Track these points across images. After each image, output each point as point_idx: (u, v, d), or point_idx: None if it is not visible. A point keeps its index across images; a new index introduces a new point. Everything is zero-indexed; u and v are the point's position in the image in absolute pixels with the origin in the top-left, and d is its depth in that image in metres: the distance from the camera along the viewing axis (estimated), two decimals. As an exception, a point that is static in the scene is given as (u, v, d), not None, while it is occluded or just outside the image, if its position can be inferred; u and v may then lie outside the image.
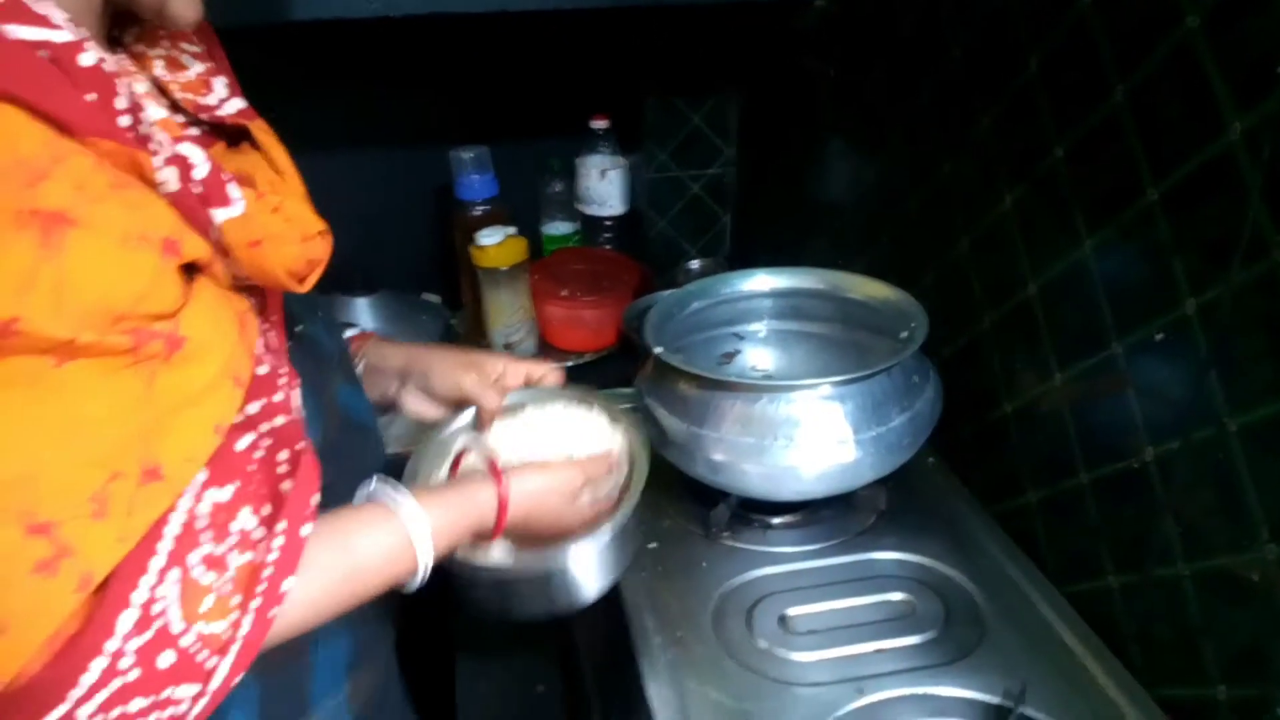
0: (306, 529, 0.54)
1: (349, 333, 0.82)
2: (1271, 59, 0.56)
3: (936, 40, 0.92)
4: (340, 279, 0.83)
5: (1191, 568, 0.66)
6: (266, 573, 0.51)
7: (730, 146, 1.59)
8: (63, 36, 0.44)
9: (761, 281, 1.00)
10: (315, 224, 0.59)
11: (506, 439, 0.80)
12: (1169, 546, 0.68)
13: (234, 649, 0.50)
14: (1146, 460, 0.69)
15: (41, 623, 0.44)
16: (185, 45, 0.59)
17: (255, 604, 0.51)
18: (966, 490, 0.93)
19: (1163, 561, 0.69)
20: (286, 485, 0.54)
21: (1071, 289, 0.76)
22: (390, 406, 0.81)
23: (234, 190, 0.53)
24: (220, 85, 0.59)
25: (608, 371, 1.32)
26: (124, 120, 0.47)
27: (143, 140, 0.48)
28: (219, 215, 0.52)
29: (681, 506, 0.92)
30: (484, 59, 1.46)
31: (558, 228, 1.56)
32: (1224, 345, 0.62)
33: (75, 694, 0.44)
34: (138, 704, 0.46)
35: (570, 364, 1.36)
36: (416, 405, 0.80)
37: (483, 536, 0.68)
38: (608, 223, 1.53)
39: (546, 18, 1.12)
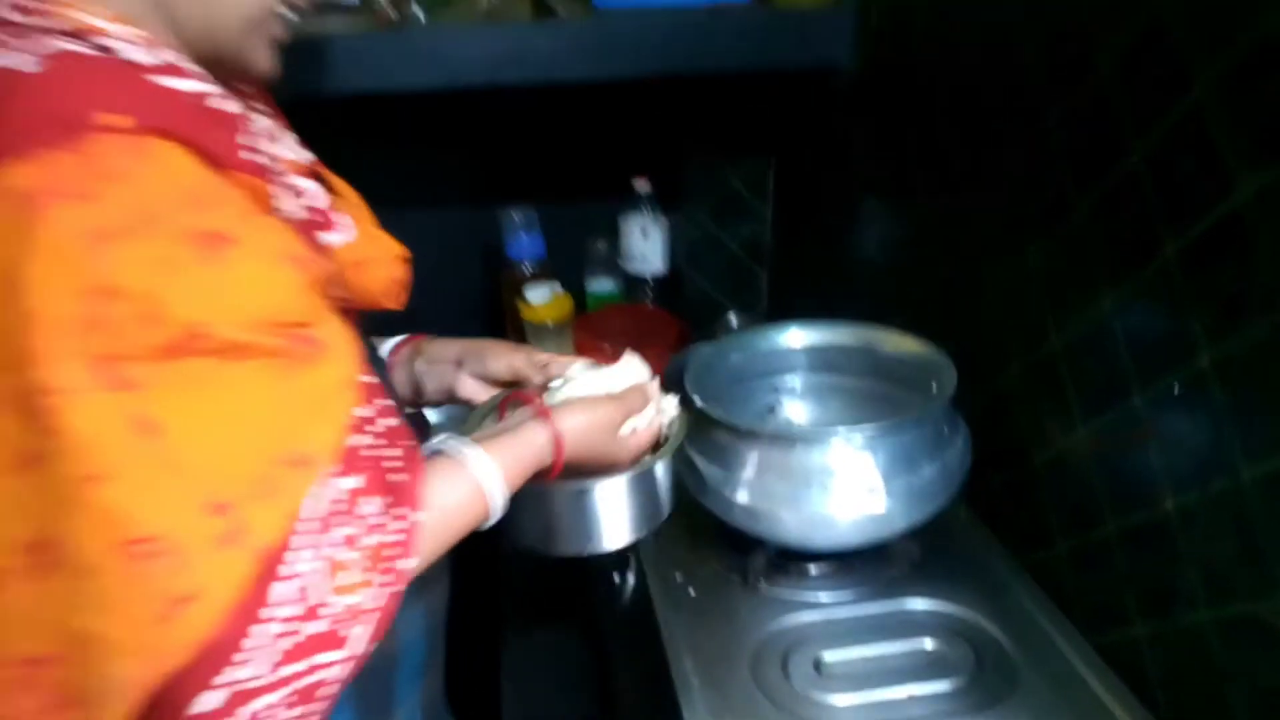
0: (420, 516, 0.60)
1: (398, 338, 0.88)
2: (1277, 125, 0.59)
3: (966, 103, 0.97)
4: (394, 329, 0.88)
5: (1215, 615, 0.67)
6: (390, 553, 0.57)
7: (767, 206, 1.64)
8: (205, 88, 0.54)
9: (796, 336, 1.03)
10: (398, 249, 0.68)
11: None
12: (1193, 594, 0.69)
13: (372, 619, 0.56)
14: (1168, 510, 0.71)
15: (226, 592, 0.50)
16: (255, 105, 0.66)
17: (383, 580, 0.57)
18: (998, 542, 0.95)
19: (1187, 609, 0.70)
20: (396, 478, 0.60)
21: (1094, 343, 0.78)
22: (447, 396, 0.87)
23: (341, 218, 0.62)
24: (290, 139, 0.67)
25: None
26: (255, 156, 0.56)
27: (264, 171, 0.57)
28: (331, 239, 0.61)
29: (720, 554, 0.95)
30: (533, 124, 1.53)
31: (601, 285, 1.61)
32: (1239, 398, 0.64)
33: (239, 657, 0.50)
34: (292, 668, 0.52)
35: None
36: (472, 389, 0.86)
37: (542, 474, 0.73)
38: (649, 280, 1.58)
39: (592, 85, 1.19)
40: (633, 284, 1.60)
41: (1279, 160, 0.58)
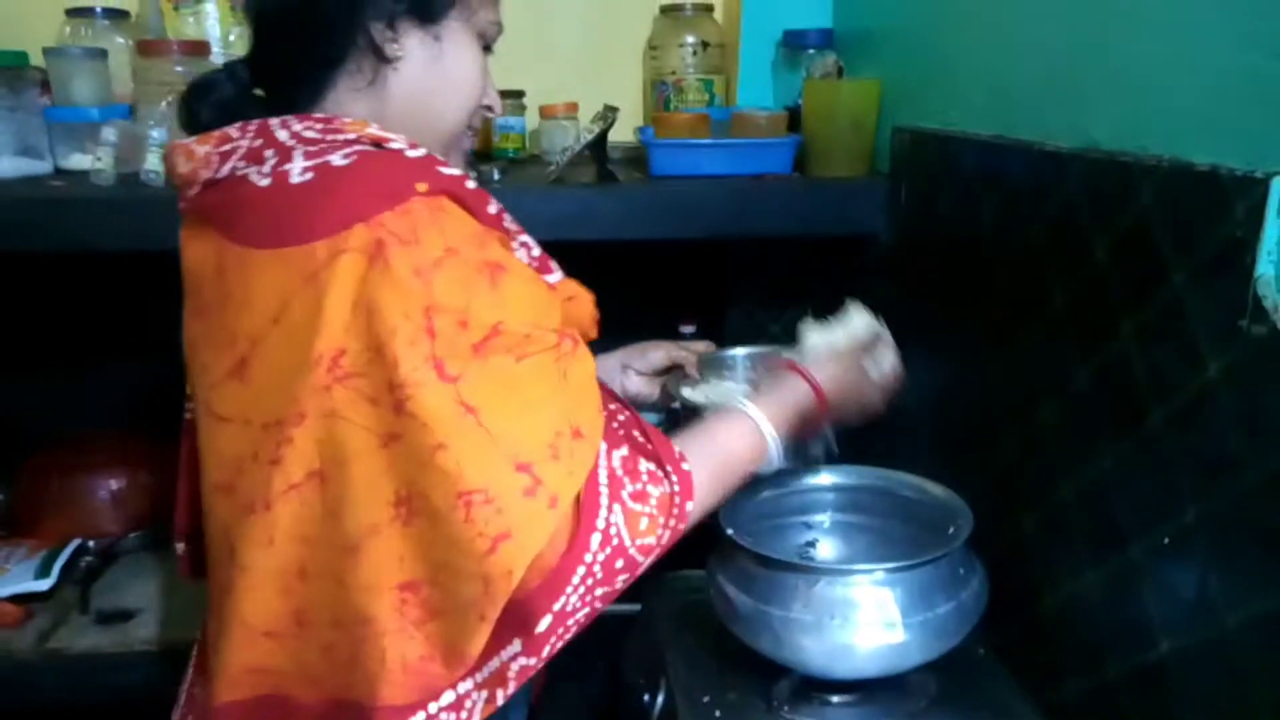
0: (686, 465, 0.79)
1: None
2: (1238, 313, 0.68)
3: (982, 273, 1.07)
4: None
5: (1206, 754, 0.72)
6: (676, 500, 0.77)
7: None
8: (459, 172, 0.76)
9: (824, 477, 1.11)
10: (589, 294, 0.89)
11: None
12: (1189, 736, 0.75)
13: (657, 550, 0.78)
14: (1165, 653, 0.77)
15: (534, 532, 0.69)
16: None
17: (673, 522, 0.77)
18: (1016, 682, 1.00)
19: (1184, 750, 0.75)
20: (652, 446, 0.79)
21: (1098, 495, 0.86)
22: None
23: (554, 264, 0.84)
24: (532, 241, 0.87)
25: (685, 553, 1.42)
26: (494, 216, 0.77)
27: (507, 232, 0.79)
28: (550, 279, 0.82)
29: (747, 680, 1.01)
30: (588, 272, 1.66)
31: (648, 419, 1.71)
32: (1220, 550, 0.71)
33: (568, 588, 0.71)
34: (600, 592, 0.74)
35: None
36: (639, 384, 1.13)
37: (812, 421, 0.91)
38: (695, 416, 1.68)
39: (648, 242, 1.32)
40: (678, 420, 1.70)
41: (1236, 344, 0.68)
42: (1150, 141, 0.79)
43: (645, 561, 0.76)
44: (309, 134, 0.74)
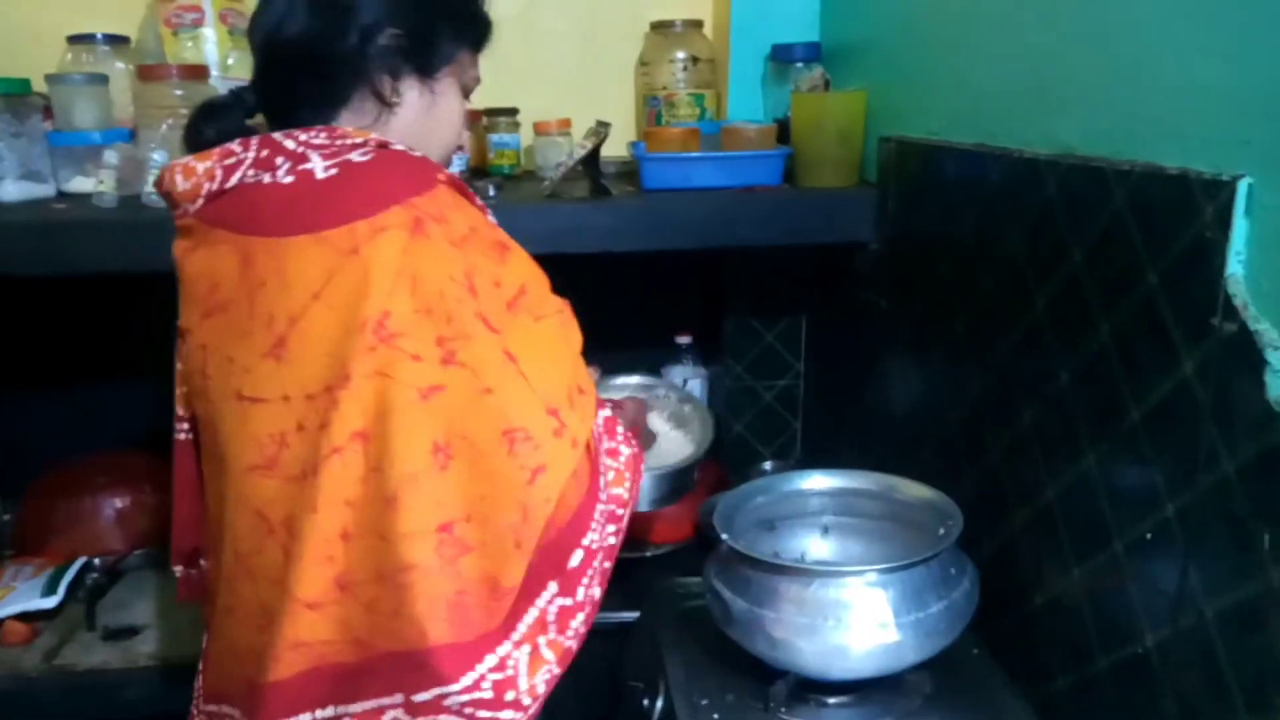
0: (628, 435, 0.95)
1: None
2: (1209, 311, 0.70)
3: (967, 279, 1.10)
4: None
5: (1188, 742, 0.74)
6: (636, 461, 0.92)
7: (799, 361, 1.77)
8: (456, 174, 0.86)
9: (817, 481, 1.13)
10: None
11: None
12: (1174, 725, 0.76)
13: (629, 507, 0.90)
14: (1148, 646, 0.79)
15: (564, 467, 0.80)
16: None
17: (637, 481, 0.92)
18: (1009, 678, 1.01)
19: (1168, 739, 0.77)
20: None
21: (1082, 494, 0.88)
22: None
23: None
24: None
25: (684, 561, 1.45)
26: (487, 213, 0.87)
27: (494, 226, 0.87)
28: None
29: (744, 682, 1.02)
30: (583, 284, 1.68)
31: (643, 430, 1.73)
32: (1198, 542, 0.73)
33: (592, 523, 0.84)
34: (611, 529, 0.88)
35: (649, 554, 1.50)
36: None
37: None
38: (689, 426, 1.70)
39: (641, 254, 1.35)
40: (673, 430, 1.72)
41: (1208, 341, 0.70)
42: (1123, 146, 0.82)
43: (622, 512, 0.89)
44: (318, 141, 0.81)
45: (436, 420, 0.76)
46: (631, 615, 1.29)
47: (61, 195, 1.45)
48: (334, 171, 0.78)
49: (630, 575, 1.43)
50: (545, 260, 1.36)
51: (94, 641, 1.38)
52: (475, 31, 0.95)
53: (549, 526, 0.80)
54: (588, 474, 0.83)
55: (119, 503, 1.60)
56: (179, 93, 1.37)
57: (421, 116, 0.90)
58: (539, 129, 1.63)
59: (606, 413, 0.91)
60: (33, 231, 1.26)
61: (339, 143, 0.81)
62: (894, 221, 1.30)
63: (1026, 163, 0.95)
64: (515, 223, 1.34)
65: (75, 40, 1.53)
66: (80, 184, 1.43)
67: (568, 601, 0.82)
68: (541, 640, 0.81)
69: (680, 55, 1.63)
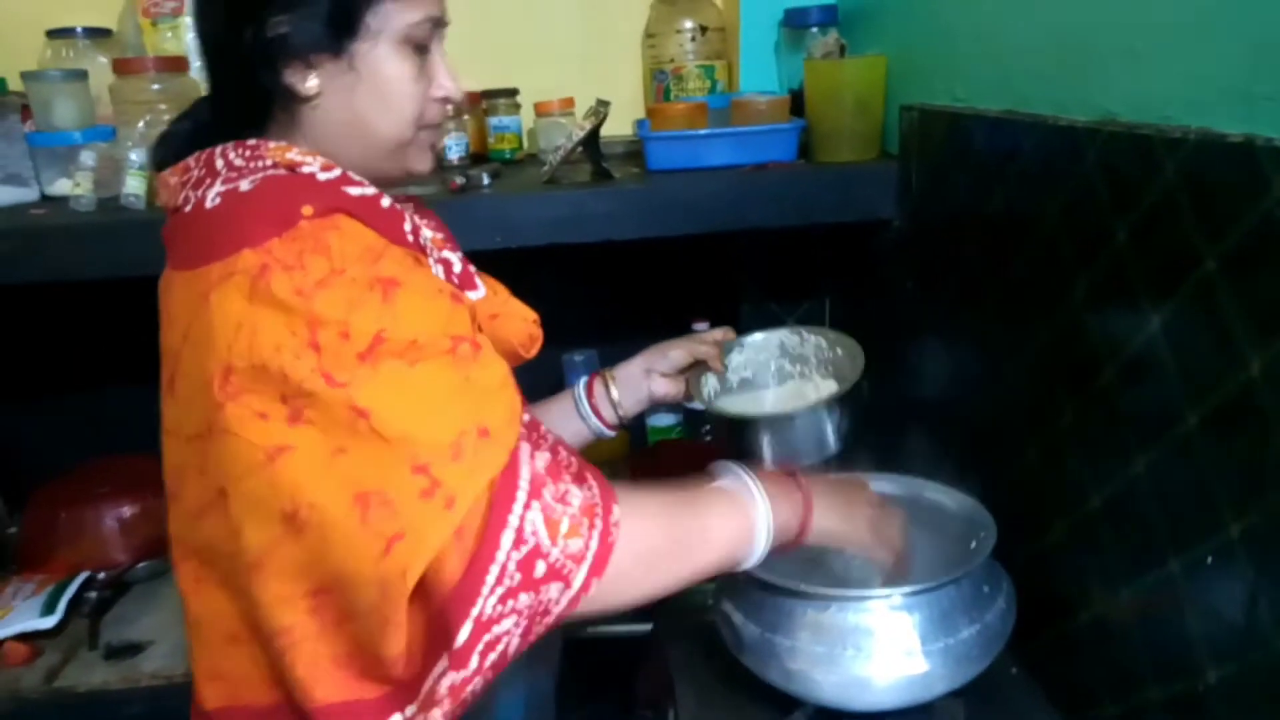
0: (605, 483, 0.75)
1: (583, 379, 1.10)
2: (1280, 304, 0.60)
3: (999, 261, 0.99)
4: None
5: (1259, 799, 0.65)
6: (599, 508, 0.72)
7: (824, 346, 1.66)
8: (372, 191, 0.75)
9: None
10: (529, 313, 0.88)
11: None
12: (1241, 775, 0.67)
13: (588, 560, 0.71)
14: (1210, 682, 0.69)
15: (430, 533, 0.66)
16: (425, 218, 0.87)
17: (598, 528, 0.71)
18: (1048, 702, 0.92)
19: (1235, 791, 0.67)
20: (575, 461, 0.76)
21: (1129, 504, 0.78)
22: (647, 402, 1.09)
23: (479, 281, 0.83)
24: (457, 259, 0.85)
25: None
26: (409, 235, 0.76)
27: (422, 249, 0.77)
28: (471, 295, 0.81)
29: (759, 711, 0.94)
30: (595, 272, 1.61)
31: (662, 419, 1.65)
32: (1269, 571, 0.63)
33: (483, 589, 0.67)
34: (524, 599, 0.69)
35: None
36: (665, 388, 1.08)
37: (789, 544, 0.84)
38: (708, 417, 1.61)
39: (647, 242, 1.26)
40: (692, 420, 1.63)
41: (1278, 338, 0.60)
42: (1173, 111, 0.71)
43: (576, 569, 0.70)
44: (237, 161, 0.75)
45: (284, 486, 0.68)
46: (645, 628, 1.22)
47: (45, 198, 1.39)
48: (218, 202, 0.73)
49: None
50: (543, 253, 1.30)
51: (95, 661, 1.33)
52: None
53: (431, 595, 0.68)
54: (476, 535, 0.68)
55: (122, 511, 1.55)
56: (156, 87, 1.31)
57: (349, 97, 0.77)
58: (540, 110, 1.54)
59: (546, 456, 0.73)
60: (9, 238, 1.20)
61: (251, 164, 0.74)
62: (918, 197, 1.20)
63: (1062, 131, 0.85)
64: (510, 213, 1.28)
65: (54, 35, 1.47)
66: (63, 186, 1.37)
67: (458, 676, 0.69)
68: (436, 712, 0.71)
69: (688, 25, 1.53)
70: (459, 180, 1.27)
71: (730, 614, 0.90)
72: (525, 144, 1.59)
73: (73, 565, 1.48)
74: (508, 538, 0.67)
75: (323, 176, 0.74)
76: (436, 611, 0.68)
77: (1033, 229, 0.91)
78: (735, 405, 1.11)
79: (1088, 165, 0.80)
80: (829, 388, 1.08)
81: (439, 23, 0.80)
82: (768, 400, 1.13)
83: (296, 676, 0.71)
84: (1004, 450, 1.00)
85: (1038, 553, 0.94)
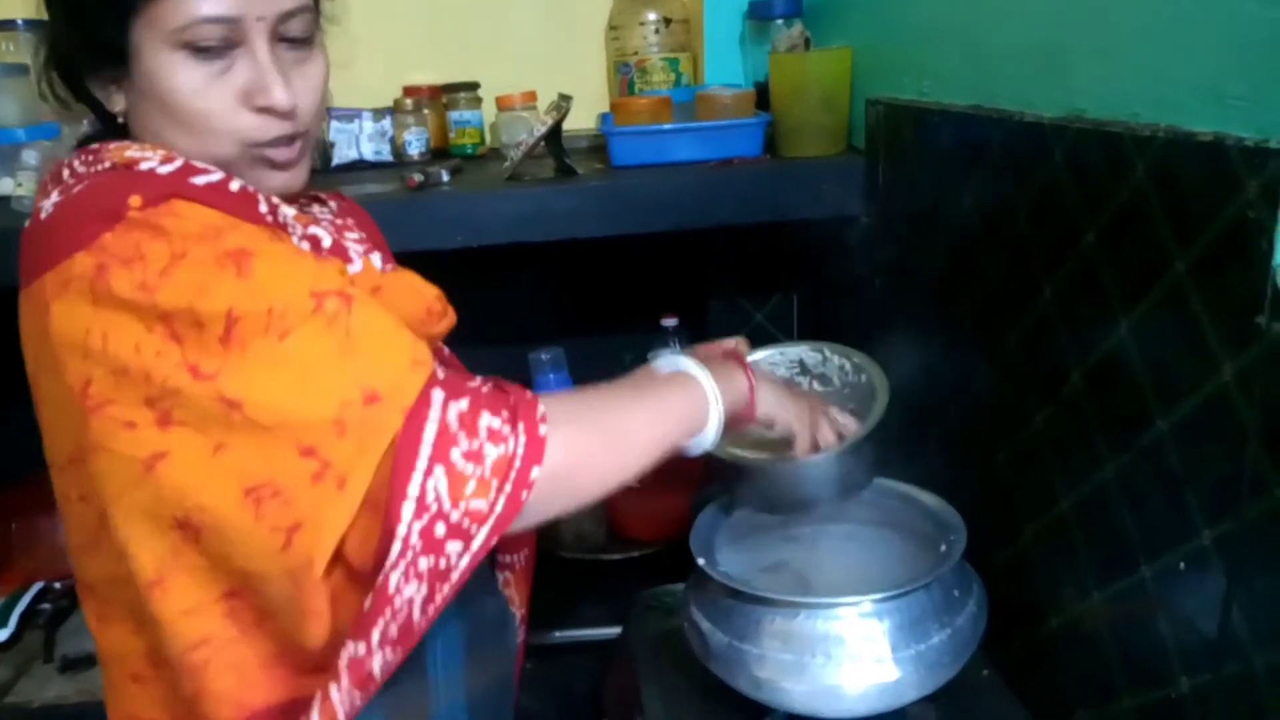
0: (543, 429, 0.66)
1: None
2: (1253, 308, 0.59)
3: (967, 260, 0.98)
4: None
5: (1233, 812, 0.64)
6: (516, 464, 0.64)
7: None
8: (219, 177, 0.68)
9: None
10: (430, 288, 0.78)
11: None
12: (1214, 785, 0.66)
13: (491, 519, 0.64)
14: (1183, 691, 0.68)
15: (329, 518, 0.62)
16: (348, 234, 0.82)
17: (508, 487, 0.64)
18: (1022, 707, 0.91)
19: (1209, 802, 0.66)
20: (512, 400, 0.68)
21: (1100, 509, 0.77)
22: None
23: (355, 254, 0.74)
24: (376, 259, 0.77)
25: (676, 563, 1.34)
26: (266, 216, 0.69)
27: (282, 227, 0.71)
28: (351, 268, 0.72)
29: (729, 719, 0.93)
30: (559, 271, 1.58)
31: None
32: (1243, 579, 0.62)
33: (388, 564, 0.62)
34: (424, 563, 0.63)
35: (637, 554, 1.39)
36: None
37: (739, 417, 0.82)
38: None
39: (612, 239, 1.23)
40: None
41: (1252, 345, 0.58)
42: (1142, 109, 0.70)
43: (479, 531, 0.64)
44: (80, 168, 0.70)
45: (168, 493, 0.63)
46: (613, 631, 1.20)
47: (-13, 198, 1.34)
48: (52, 211, 0.67)
49: (614, 581, 1.34)
50: (507, 250, 1.28)
51: (51, 674, 1.30)
52: None
53: (354, 575, 0.65)
54: (382, 506, 0.63)
55: (76, 520, 1.51)
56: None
57: (148, 119, 0.71)
58: (502, 104, 1.51)
59: (462, 405, 0.65)
60: (-53, 241, 1.15)
61: (90, 169, 0.69)
62: (885, 193, 1.18)
63: (1030, 128, 0.83)
64: (471, 211, 1.25)
65: (-7, 27, 1.41)
66: (6, 185, 1.32)
67: (359, 648, 0.65)
68: (333, 686, 0.66)
69: (652, 16, 1.50)
70: (417, 178, 1.24)
71: (698, 621, 0.89)
72: (487, 139, 1.56)
73: (26, 575, 1.44)
74: (408, 509, 0.62)
75: (162, 170, 0.68)
76: (361, 587, 0.65)
77: (1001, 228, 0.90)
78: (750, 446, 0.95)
79: (1056, 163, 0.79)
80: (847, 422, 0.95)
81: (218, 24, 0.67)
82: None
83: (222, 689, 0.67)
84: (974, 452, 0.99)
85: (1009, 556, 0.93)
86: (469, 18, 1.56)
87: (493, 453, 0.64)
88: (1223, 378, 0.61)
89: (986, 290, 0.94)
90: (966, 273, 0.98)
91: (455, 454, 0.63)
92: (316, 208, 0.86)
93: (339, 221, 0.85)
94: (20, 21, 1.41)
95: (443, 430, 0.63)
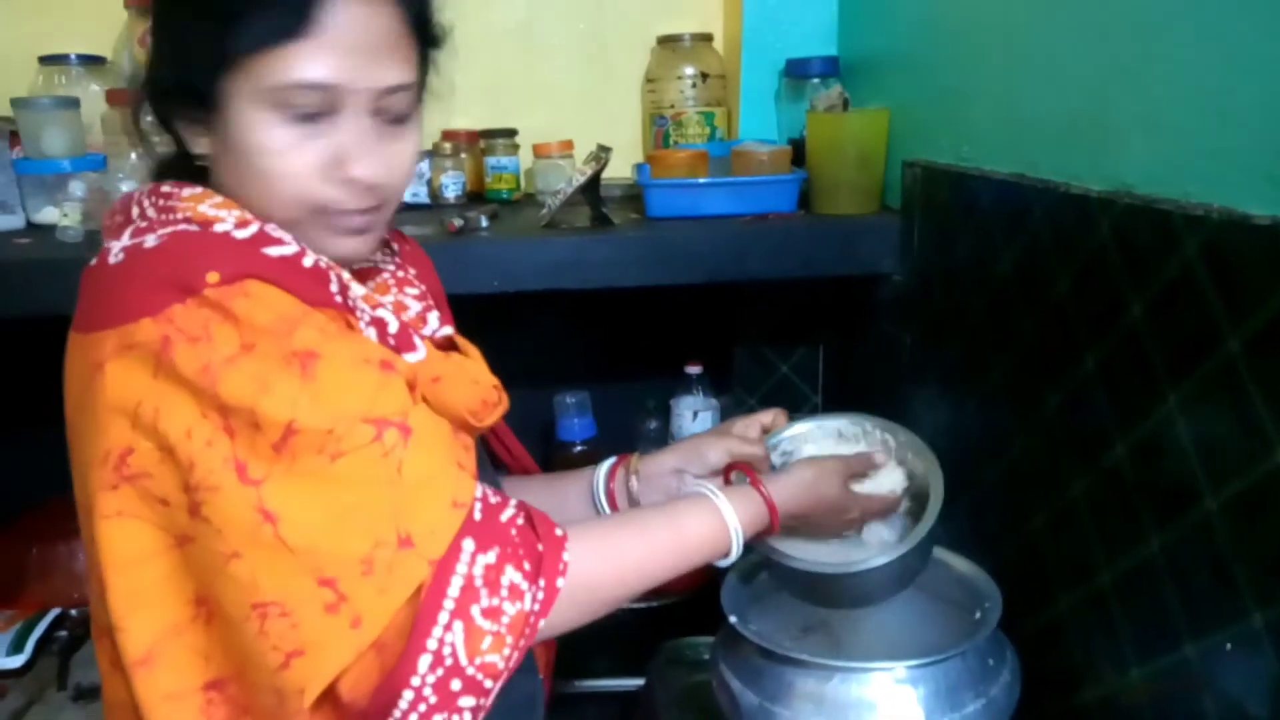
0: (560, 582, 0.67)
1: (610, 460, 0.98)
2: (1307, 390, 0.59)
3: (1006, 322, 0.98)
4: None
5: None
6: (531, 619, 0.65)
7: (817, 394, 1.65)
8: (293, 250, 0.67)
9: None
10: (488, 378, 0.79)
11: None
12: None
13: (505, 672, 0.65)
14: (1231, 778, 0.67)
15: (333, 652, 0.61)
16: (409, 290, 0.83)
17: (523, 642, 0.65)
18: (1055, 780, 0.90)
19: None
20: (537, 549, 0.67)
21: (1143, 582, 0.76)
22: None
23: (419, 342, 0.73)
24: (433, 318, 0.81)
25: (702, 613, 1.33)
26: (335, 296, 0.67)
27: (350, 309, 0.68)
28: (408, 358, 0.71)
29: (756, 781, 0.91)
30: (589, 313, 1.59)
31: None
32: (1294, 664, 0.61)
33: (395, 713, 0.61)
34: (437, 718, 0.62)
35: (657, 604, 1.38)
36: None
37: (764, 532, 0.82)
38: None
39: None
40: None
41: (1312, 430, 0.58)
42: (1193, 187, 0.70)
43: (491, 684, 0.64)
44: (150, 211, 0.69)
45: (191, 571, 0.63)
46: (635, 683, 1.19)
47: (31, 226, 1.36)
48: (121, 258, 0.64)
49: (637, 631, 1.32)
50: (543, 296, 1.29)
51: (64, 702, 1.29)
52: (233, 26, 0.64)
53: (342, 709, 0.63)
54: (397, 654, 0.62)
55: (96, 548, 1.51)
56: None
57: (222, 168, 0.70)
58: (539, 151, 1.53)
59: (490, 559, 0.64)
60: (-9, 268, 1.17)
61: (163, 215, 0.68)
62: (920, 253, 1.19)
63: (1074, 199, 0.84)
64: (508, 257, 1.26)
65: (47, 61, 1.44)
66: (50, 215, 1.34)
67: None
68: None
69: (689, 71, 1.52)
70: (456, 222, 1.25)
71: (728, 680, 0.88)
72: (523, 184, 1.58)
73: (43, 602, 1.44)
74: (425, 662, 0.61)
75: (238, 235, 0.66)
76: None
77: (1042, 294, 0.90)
78: (795, 547, 0.89)
79: (1102, 235, 0.79)
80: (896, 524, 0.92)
81: (317, 91, 0.66)
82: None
83: None
84: (1007, 515, 0.98)
85: (1044, 625, 0.92)
86: (508, 65, 1.59)
87: (510, 610, 0.64)
88: (1275, 458, 0.61)
89: (1024, 353, 0.95)
90: (1003, 335, 0.99)
91: (475, 610, 0.63)
92: (381, 255, 0.84)
93: (400, 274, 0.84)
94: (73, 56, 1.44)
95: (467, 585, 0.63)
